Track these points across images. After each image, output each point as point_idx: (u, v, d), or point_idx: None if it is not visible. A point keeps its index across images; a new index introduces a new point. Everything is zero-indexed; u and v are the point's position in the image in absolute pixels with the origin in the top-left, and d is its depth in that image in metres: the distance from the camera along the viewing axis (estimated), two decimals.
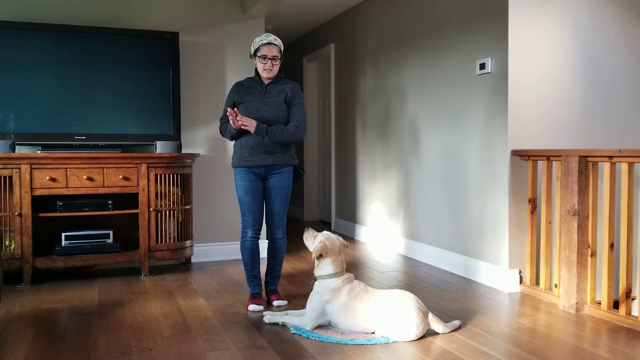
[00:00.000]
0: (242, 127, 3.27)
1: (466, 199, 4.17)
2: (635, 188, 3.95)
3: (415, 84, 4.80)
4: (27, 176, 3.88)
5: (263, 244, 3.74)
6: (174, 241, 4.30)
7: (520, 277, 3.80)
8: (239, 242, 3.49)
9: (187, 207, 4.38)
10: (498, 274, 3.84)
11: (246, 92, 3.41)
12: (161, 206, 4.24)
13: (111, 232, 4.16)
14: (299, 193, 7.59)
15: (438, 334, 2.87)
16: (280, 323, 3.05)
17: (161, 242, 4.24)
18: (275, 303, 3.44)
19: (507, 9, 3.70)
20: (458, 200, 4.26)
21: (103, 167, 4.08)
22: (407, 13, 4.92)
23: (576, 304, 3.31)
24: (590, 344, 2.78)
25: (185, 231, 4.39)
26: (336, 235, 3.10)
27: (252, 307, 3.33)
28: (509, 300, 3.58)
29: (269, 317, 3.11)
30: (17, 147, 4.09)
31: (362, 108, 5.81)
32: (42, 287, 3.90)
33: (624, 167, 3.10)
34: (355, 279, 3.05)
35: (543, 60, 3.83)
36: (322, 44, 6.88)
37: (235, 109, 3.30)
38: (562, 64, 3.91)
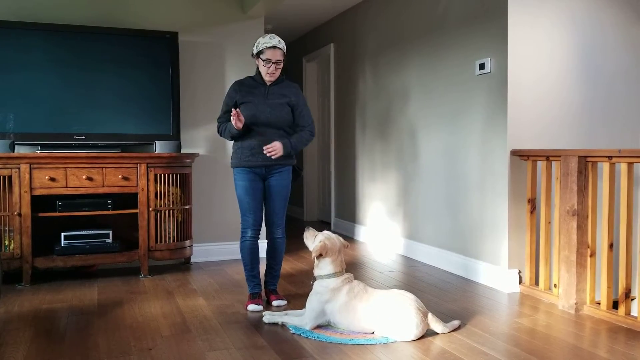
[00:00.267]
0: (270, 154, 3.27)
1: (466, 199, 4.17)
2: (634, 188, 3.96)
3: (415, 84, 4.80)
4: (27, 176, 3.88)
5: (262, 244, 3.74)
6: (174, 241, 4.31)
7: (520, 277, 3.80)
8: (239, 242, 3.49)
9: (187, 207, 4.38)
10: (497, 274, 3.84)
11: (248, 92, 3.39)
12: (161, 206, 4.24)
13: (111, 232, 4.16)
14: (298, 193, 7.59)
15: (437, 334, 2.87)
16: (280, 323, 3.05)
17: (161, 242, 4.24)
18: (275, 303, 3.44)
19: (507, 9, 3.70)
20: (457, 200, 4.26)
21: (102, 167, 4.08)
22: (407, 13, 4.92)
23: (575, 304, 3.31)
24: (590, 344, 2.78)
25: (184, 231, 4.39)
26: (336, 235, 3.10)
27: (252, 307, 3.33)
28: (509, 300, 3.58)
29: (268, 317, 3.11)
30: (16, 146, 4.09)
31: (362, 108, 5.81)
32: (42, 287, 3.90)
33: (623, 167, 3.10)
34: (355, 279, 3.05)
35: (542, 60, 3.83)
36: (321, 44, 6.88)
37: (237, 109, 3.29)
38: (562, 64, 3.91)
